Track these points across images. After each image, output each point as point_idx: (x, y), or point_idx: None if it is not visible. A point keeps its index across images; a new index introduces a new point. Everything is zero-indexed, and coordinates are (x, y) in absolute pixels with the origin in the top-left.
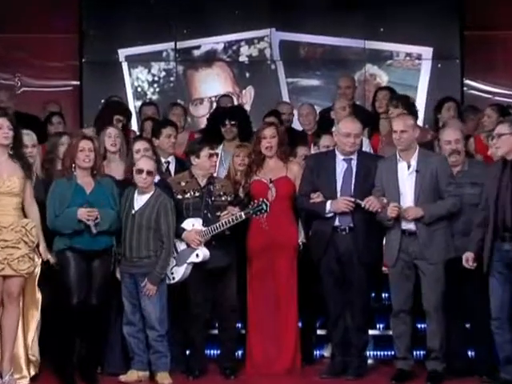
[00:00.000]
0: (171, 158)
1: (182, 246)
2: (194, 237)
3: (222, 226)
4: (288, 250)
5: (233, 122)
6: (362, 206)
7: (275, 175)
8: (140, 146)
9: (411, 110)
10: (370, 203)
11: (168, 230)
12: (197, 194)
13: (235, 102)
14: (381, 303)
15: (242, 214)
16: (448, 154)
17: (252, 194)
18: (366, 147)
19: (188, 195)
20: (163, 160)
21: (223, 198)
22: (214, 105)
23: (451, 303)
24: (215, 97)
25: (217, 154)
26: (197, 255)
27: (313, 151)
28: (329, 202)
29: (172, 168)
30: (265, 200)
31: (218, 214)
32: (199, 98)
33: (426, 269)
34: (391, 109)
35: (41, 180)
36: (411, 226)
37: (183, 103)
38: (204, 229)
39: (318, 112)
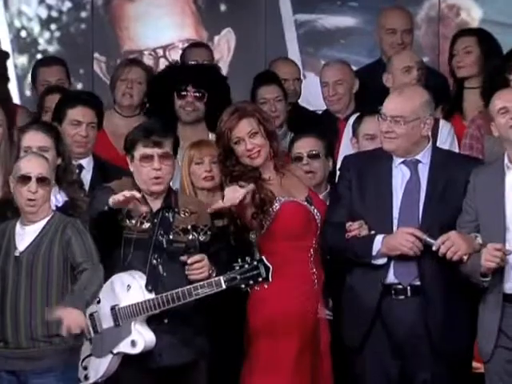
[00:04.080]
0: (86, 162)
1: (104, 322)
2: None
3: (183, 297)
4: (325, 325)
5: (197, 94)
6: (434, 248)
7: (296, 192)
8: (32, 141)
9: None
10: (449, 244)
11: (89, 251)
12: (145, 226)
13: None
14: None
15: (222, 280)
16: None
17: (286, 229)
18: (446, 138)
19: (132, 223)
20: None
21: (190, 237)
22: (163, 62)
23: None
24: (165, 48)
25: (164, 155)
26: (132, 342)
27: (351, 149)
28: (379, 238)
29: (87, 178)
30: (263, 259)
31: (184, 258)
32: (135, 51)
33: None
34: None
35: None
36: None
37: (104, 59)
38: (149, 297)
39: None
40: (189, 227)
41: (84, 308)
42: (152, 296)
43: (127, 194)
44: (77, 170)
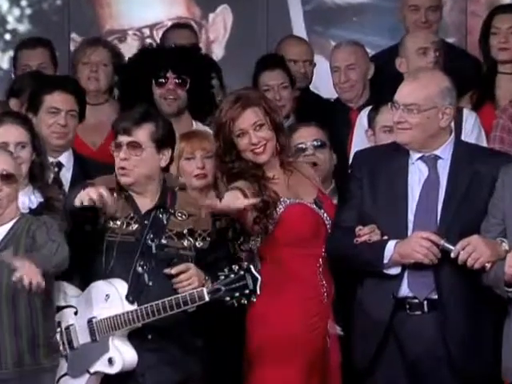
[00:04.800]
0: (65, 157)
1: (81, 337)
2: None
3: (164, 310)
4: (336, 343)
5: (178, 80)
6: (453, 255)
7: (303, 193)
8: (8, 135)
9: None
10: (470, 250)
11: (53, 234)
12: (132, 227)
13: (201, 42)
14: None
15: (205, 292)
16: None
17: (293, 234)
18: (472, 130)
19: (116, 224)
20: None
21: (186, 243)
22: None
23: None
24: (152, 27)
25: (134, 145)
26: (109, 360)
27: (366, 143)
28: (391, 244)
29: (67, 176)
30: (251, 268)
31: (167, 270)
32: (118, 31)
33: None
34: None
35: None
36: None
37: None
38: (129, 309)
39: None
40: (185, 231)
41: (43, 271)
42: (133, 308)
43: (93, 194)
44: (56, 169)
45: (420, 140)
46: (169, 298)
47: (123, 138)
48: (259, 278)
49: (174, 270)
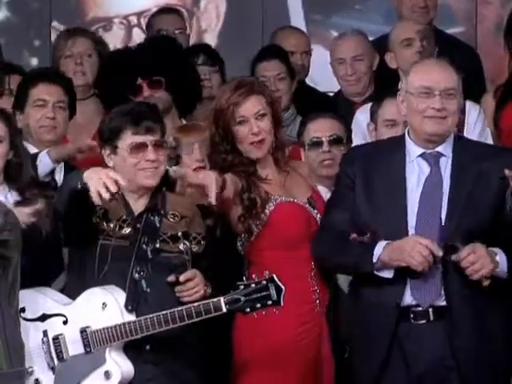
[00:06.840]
0: None
1: (72, 348)
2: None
3: (173, 321)
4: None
5: (152, 83)
6: (453, 258)
7: (297, 192)
8: None
9: None
10: (472, 260)
11: None
12: (126, 231)
13: (188, 30)
14: None
15: (222, 302)
16: None
17: (282, 236)
18: (475, 124)
19: (110, 226)
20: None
21: (182, 246)
22: (136, 32)
23: None
24: (139, 15)
25: (159, 144)
26: (106, 374)
27: (368, 137)
28: (382, 243)
29: (60, 176)
30: (275, 278)
31: (172, 278)
32: (103, 19)
33: None
34: None
35: None
36: None
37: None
38: (129, 318)
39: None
40: (179, 234)
41: None
42: (132, 317)
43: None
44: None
45: (451, 131)
46: (179, 308)
47: (147, 138)
48: (283, 288)
49: (182, 277)
